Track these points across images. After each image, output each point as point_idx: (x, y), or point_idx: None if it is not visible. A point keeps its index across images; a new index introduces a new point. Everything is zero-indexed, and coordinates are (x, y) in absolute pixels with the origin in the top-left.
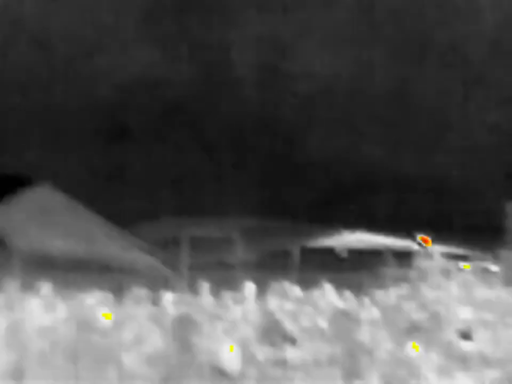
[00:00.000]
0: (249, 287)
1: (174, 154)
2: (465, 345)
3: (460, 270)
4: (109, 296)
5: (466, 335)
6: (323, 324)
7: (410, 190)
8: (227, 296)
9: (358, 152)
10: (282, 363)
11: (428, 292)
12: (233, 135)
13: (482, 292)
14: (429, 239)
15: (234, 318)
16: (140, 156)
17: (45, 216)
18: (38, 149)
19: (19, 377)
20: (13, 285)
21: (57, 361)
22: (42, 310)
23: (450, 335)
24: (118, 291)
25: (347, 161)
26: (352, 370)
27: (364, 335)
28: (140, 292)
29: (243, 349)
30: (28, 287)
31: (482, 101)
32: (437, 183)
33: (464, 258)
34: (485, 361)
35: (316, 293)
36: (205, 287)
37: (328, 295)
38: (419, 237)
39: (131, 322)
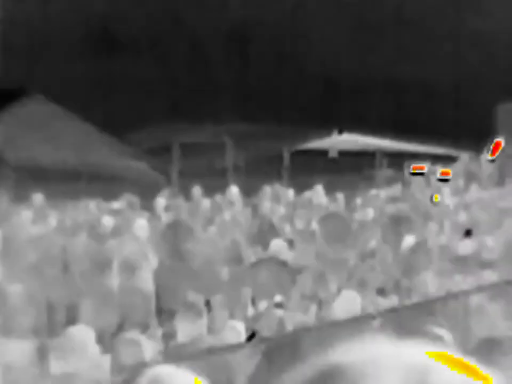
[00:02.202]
0: (234, 190)
1: (166, 63)
2: (464, 245)
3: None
4: (101, 204)
5: (468, 232)
6: (315, 225)
7: (403, 95)
8: (218, 200)
9: (354, 58)
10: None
11: (418, 193)
12: (226, 42)
13: (474, 193)
14: (421, 166)
15: (225, 221)
16: (131, 66)
17: (37, 127)
18: (29, 61)
19: (11, 284)
20: (5, 197)
21: (49, 269)
22: (34, 220)
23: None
24: (111, 198)
25: (343, 66)
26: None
27: (355, 235)
28: (132, 198)
29: (234, 251)
30: (20, 198)
31: (474, 12)
32: (428, 88)
33: (453, 159)
34: (481, 263)
35: (307, 195)
36: (196, 192)
37: (320, 197)
38: (412, 167)
39: (124, 229)
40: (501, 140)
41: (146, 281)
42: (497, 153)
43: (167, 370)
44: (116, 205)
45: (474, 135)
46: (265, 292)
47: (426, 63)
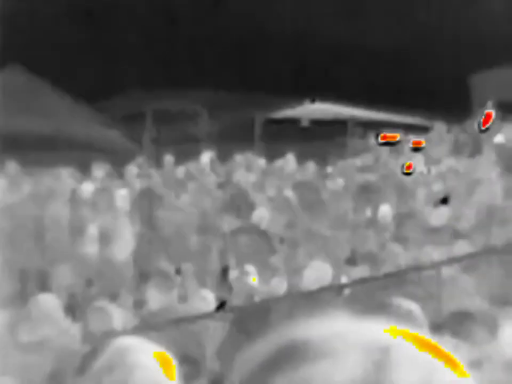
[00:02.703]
0: (205, 159)
1: (139, 30)
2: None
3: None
4: (75, 172)
5: (445, 200)
6: (288, 193)
7: (375, 63)
8: (191, 167)
9: (325, 26)
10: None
11: (390, 163)
12: (198, 10)
13: (448, 162)
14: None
15: (197, 189)
16: (104, 33)
17: (12, 96)
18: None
19: None
20: None
21: (23, 236)
22: (8, 188)
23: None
24: (84, 167)
25: (315, 34)
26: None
27: (326, 204)
28: (105, 167)
29: (206, 220)
30: None
31: None
32: (401, 56)
33: (426, 129)
34: (454, 233)
35: (279, 164)
36: (168, 160)
37: (291, 165)
38: (380, 135)
39: (98, 196)
40: (491, 111)
41: (119, 249)
42: (488, 124)
43: (132, 341)
44: (90, 173)
45: (449, 105)
46: (243, 260)
47: (400, 32)
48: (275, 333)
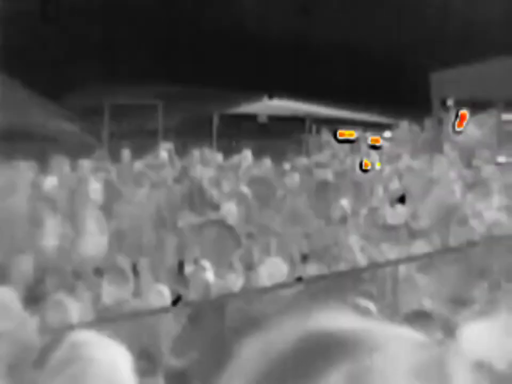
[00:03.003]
0: (163, 153)
1: (98, 25)
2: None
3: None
4: (32, 164)
5: (402, 198)
6: (244, 189)
7: (335, 60)
8: (147, 162)
9: (285, 22)
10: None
11: (348, 160)
12: (159, 4)
13: (406, 160)
14: (351, 132)
15: (154, 184)
16: (66, 27)
17: None
18: None
19: None
20: None
21: None
22: None
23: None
24: (41, 159)
25: (275, 30)
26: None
27: (282, 200)
28: (63, 160)
29: (162, 214)
30: None
31: None
32: (360, 55)
33: (387, 127)
34: (411, 232)
35: (236, 160)
36: (125, 154)
37: (248, 161)
38: (340, 133)
39: (59, 189)
40: (465, 111)
41: (79, 243)
42: (463, 125)
43: (88, 335)
44: (48, 166)
45: (409, 102)
46: (208, 255)
47: (360, 27)
48: (289, 323)
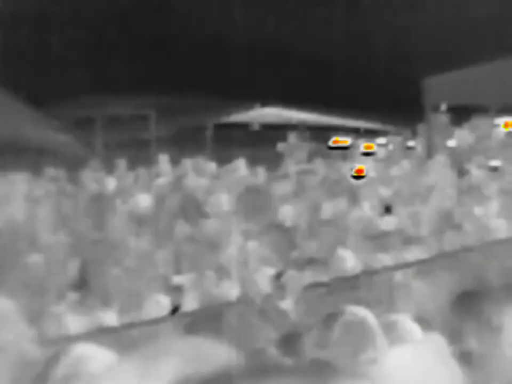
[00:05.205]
0: (163, 160)
1: (90, 35)
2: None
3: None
4: (27, 176)
5: (388, 209)
6: (236, 199)
7: (327, 68)
8: (142, 172)
9: (276, 31)
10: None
11: (343, 167)
12: (149, 14)
13: (401, 167)
14: (344, 140)
15: (150, 194)
16: (55, 39)
17: None
18: None
19: None
20: None
21: None
22: None
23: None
24: (36, 171)
25: (266, 39)
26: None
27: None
28: (57, 171)
29: (157, 227)
30: None
31: None
32: (355, 61)
33: (383, 133)
34: (405, 239)
35: (229, 169)
36: (120, 164)
37: (242, 170)
38: (333, 140)
39: (49, 199)
40: (510, 120)
41: (70, 255)
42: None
43: (90, 349)
44: (43, 177)
45: (402, 108)
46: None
47: (352, 36)
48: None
